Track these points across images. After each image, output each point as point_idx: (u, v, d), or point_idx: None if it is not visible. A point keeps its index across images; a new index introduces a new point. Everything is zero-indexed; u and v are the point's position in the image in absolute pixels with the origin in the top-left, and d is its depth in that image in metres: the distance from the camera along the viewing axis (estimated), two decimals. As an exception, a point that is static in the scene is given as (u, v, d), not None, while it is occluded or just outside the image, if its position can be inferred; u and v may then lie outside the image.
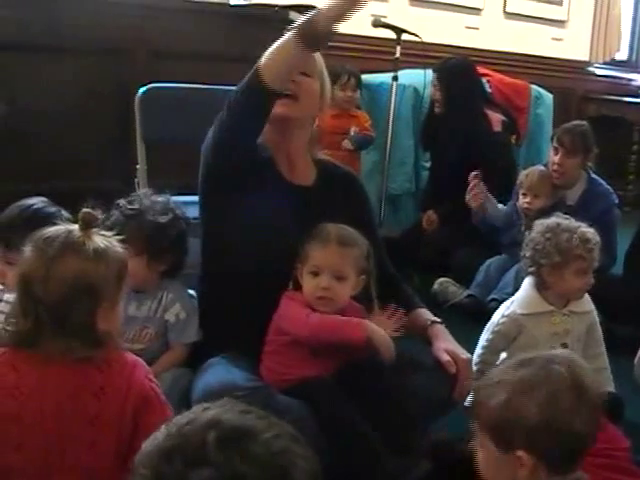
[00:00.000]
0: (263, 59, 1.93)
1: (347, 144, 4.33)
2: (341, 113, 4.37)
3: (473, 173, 3.85)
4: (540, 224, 2.57)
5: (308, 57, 2.00)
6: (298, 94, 2.12)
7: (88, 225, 1.55)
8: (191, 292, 2.29)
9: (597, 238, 2.51)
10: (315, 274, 2.01)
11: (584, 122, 3.93)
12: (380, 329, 1.98)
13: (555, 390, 1.46)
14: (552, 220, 2.55)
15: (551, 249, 2.48)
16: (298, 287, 2.05)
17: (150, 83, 3.01)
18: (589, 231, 2.51)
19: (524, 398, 1.46)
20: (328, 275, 2.00)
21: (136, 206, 2.15)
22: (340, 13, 1.85)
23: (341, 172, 2.36)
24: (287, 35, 1.90)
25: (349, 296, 2.05)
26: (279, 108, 2.09)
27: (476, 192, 3.86)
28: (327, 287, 1.99)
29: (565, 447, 1.45)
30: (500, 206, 3.92)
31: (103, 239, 1.57)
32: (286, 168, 2.21)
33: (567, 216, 2.58)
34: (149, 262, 2.14)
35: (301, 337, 1.96)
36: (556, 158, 3.71)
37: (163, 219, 2.15)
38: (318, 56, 2.18)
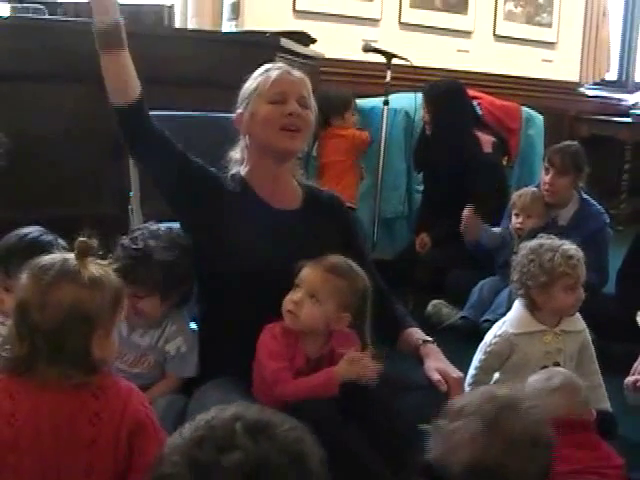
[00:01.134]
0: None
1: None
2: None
3: (467, 208, 3.86)
4: (524, 247, 2.60)
5: (122, 59, 2.12)
6: (302, 127, 2.17)
7: (84, 254, 1.57)
8: (193, 326, 2.28)
9: (580, 253, 2.53)
10: (296, 287, 2.03)
11: (575, 142, 3.97)
12: (348, 367, 1.96)
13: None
14: (534, 242, 2.58)
15: (536, 270, 2.50)
16: None
17: (146, 110, 3.03)
18: (572, 247, 2.53)
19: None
20: (303, 291, 2.01)
21: (141, 246, 2.11)
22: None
23: (325, 195, 2.38)
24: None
25: (318, 323, 2.02)
26: (287, 143, 2.16)
27: (471, 226, 3.87)
28: (297, 302, 2.00)
29: None
30: (495, 229, 3.94)
31: (99, 268, 1.58)
32: (269, 194, 2.24)
33: (550, 235, 2.61)
34: (162, 299, 2.14)
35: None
36: (547, 178, 3.75)
37: (171, 256, 2.10)
38: (309, 88, 2.23)
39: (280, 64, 2.28)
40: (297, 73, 2.24)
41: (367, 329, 2.10)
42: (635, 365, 2.72)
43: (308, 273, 2.03)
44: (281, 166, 2.23)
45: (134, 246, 2.11)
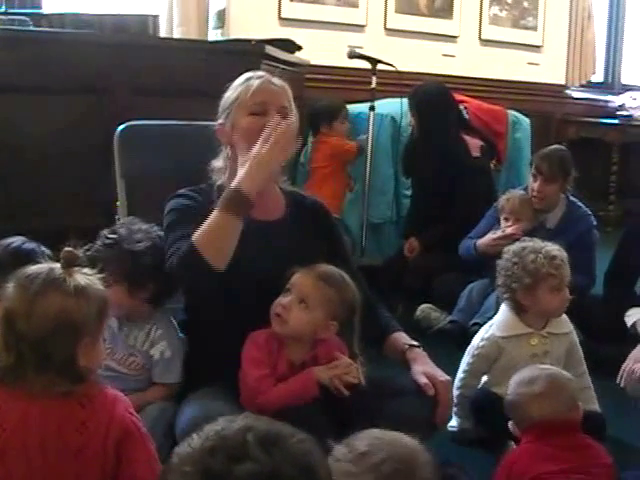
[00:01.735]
0: (198, 240, 1.95)
1: None
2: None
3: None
4: (507, 251, 2.62)
5: (240, 226, 2.00)
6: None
7: (70, 264, 1.58)
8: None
9: (564, 254, 2.55)
10: (286, 291, 2.03)
11: (561, 146, 3.97)
12: (327, 372, 1.97)
13: None
14: (517, 245, 2.60)
15: (520, 272, 2.52)
16: None
17: (132, 120, 3.04)
18: (554, 248, 2.55)
19: None
20: (294, 296, 2.01)
21: (114, 235, 2.16)
22: (260, 175, 2.00)
23: (309, 202, 2.37)
24: (215, 213, 1.96)
25: (305, 328, 2.02)
26: None
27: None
28: (286, 306, 2.01)
29: None
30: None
31: (84, 277, 1.59)
32: None
33: (534, 238, 2.62)
34: (130, 290, 2.14)
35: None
36: (535, 185, 3.70)
37: (139, 247, 2.13)
38: (290, 96, 2.22)
39: (260, 72, 2.25)
40: (278, 82, 2.21)
41: (356, 339, 2.10)
42: (626, 362, 2.75)
43: (299, 279, 2.04)
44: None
45: (109, 235, 2.17)
